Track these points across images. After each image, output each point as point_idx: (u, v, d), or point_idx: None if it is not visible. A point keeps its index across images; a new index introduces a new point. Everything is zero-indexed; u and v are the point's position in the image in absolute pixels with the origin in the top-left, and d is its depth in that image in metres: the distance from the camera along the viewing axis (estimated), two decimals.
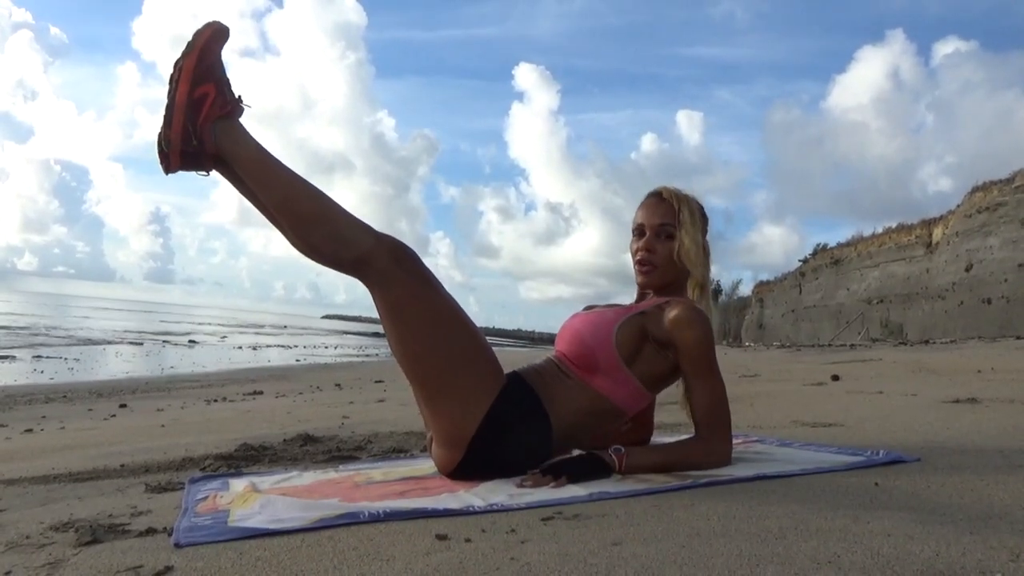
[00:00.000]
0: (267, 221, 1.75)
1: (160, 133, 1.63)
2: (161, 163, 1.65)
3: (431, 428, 1.69)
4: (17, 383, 8.07)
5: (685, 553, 1.02)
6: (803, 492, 1.41)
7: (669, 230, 1.80)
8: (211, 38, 1.64)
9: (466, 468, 1.62)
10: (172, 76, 1.62)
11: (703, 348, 1.68)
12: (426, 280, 1.64)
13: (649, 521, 1.21)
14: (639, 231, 1.84)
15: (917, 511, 1.23)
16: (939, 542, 1.03)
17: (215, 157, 1.65)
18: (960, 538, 1.05)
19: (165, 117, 1.61)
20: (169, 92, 1.62)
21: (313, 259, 1.67)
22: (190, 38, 1.63)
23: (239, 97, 1.66)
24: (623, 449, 1.62)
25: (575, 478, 1.53)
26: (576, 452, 1.85)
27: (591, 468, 1.58)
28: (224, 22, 1.66)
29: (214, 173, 1.71)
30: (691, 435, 1.73)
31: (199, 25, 1.65)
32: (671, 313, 1.69)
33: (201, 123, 1.61)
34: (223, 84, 1.64)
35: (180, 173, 1.66)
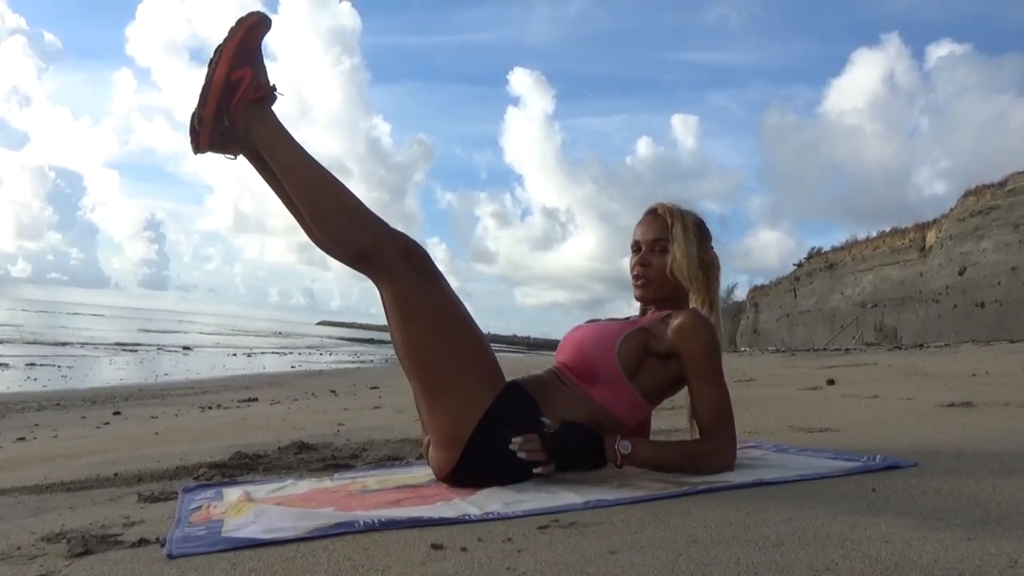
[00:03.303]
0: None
1: (194, 112, 1.68)
2: (191, 142, 1.70)
3: (429, 428, 1.69)
4: (10, 391, 8.02)
5: (682, 561, 1.01)
6: (800, 498, 1.41)
7: (663, 244, 1.82)
8: (254, 26, 1.69)
9: (462, 471, 1.61)
10: (212, 59, 1.67)
11: (708, 355, 1.68)
12: (433, 278, 1.66)
13: (646, 529, 1.21)
14: (635, 247, 1.87)
15: (914, 517, 1.23)
16: (937, 548, 1.03)
17: (243, 141, 1.70)
18: (958, 544, 1.05)
19: (200, 96, 1.66)
20: (207, 73, 1.66)
21: (325, 249, 1.71)
22: (233, 24, 1.68)
23: (273, 86, 1.71)
24: (629, 448, 1.62)
25: (564, 465, 1.59)
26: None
27: (585, 458, 1.61)
28: (268, 14, 1.70)
29: (241, 159, 1.75)
30: (693, 439, 1.74)
31: (243, 13, 1.70)
32: (675, 322, 1.70)
33: (235, 105, 1.66)
34: (260, 71, 1.69)
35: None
